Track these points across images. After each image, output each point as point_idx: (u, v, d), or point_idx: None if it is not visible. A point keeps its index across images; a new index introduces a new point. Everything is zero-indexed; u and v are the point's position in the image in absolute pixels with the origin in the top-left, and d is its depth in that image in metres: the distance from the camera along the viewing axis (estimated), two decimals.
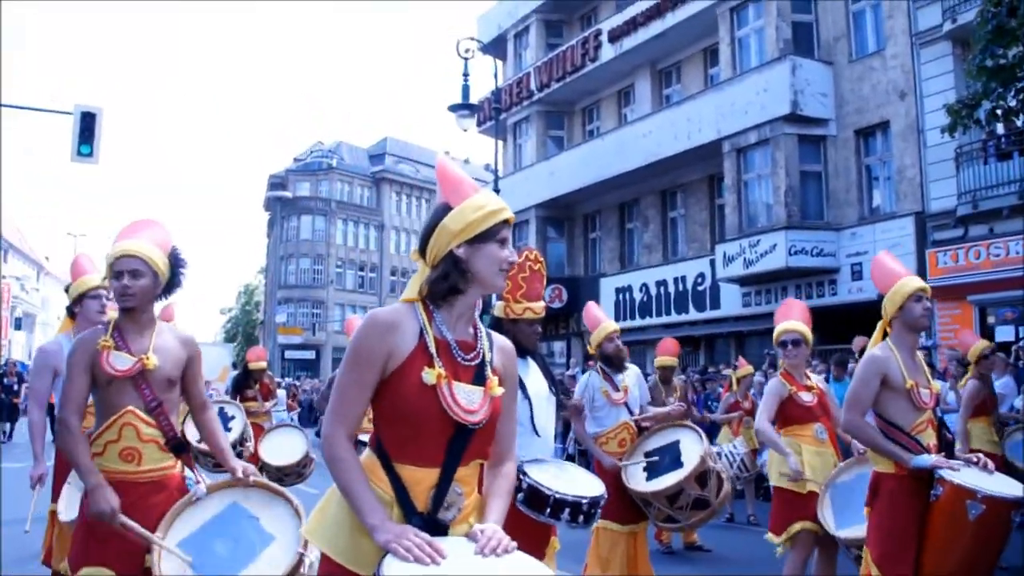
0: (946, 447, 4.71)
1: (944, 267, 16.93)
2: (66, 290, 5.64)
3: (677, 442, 6.20)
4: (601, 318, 6.67)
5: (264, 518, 3.77)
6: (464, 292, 2.59)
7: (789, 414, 5.98)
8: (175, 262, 4.09)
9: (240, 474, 3.90)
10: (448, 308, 2.59)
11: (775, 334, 6.23)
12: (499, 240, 2.58)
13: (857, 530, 5.27)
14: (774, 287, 20.26)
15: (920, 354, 4.75)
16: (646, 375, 9.08)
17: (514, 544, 2.37)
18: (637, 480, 6.12)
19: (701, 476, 5.88)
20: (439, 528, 2.43)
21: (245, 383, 11.14)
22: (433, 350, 2.50)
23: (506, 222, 2.61)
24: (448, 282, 2.55)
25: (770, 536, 6.04)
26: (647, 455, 6.25)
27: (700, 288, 22.58)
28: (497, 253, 2.58)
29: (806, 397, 5.99)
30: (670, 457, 6.10)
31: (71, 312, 5.60)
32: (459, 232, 2.54)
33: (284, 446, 9.82)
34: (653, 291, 24.02)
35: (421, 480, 2.46)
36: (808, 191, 19.75)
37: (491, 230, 2.57)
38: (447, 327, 2.58)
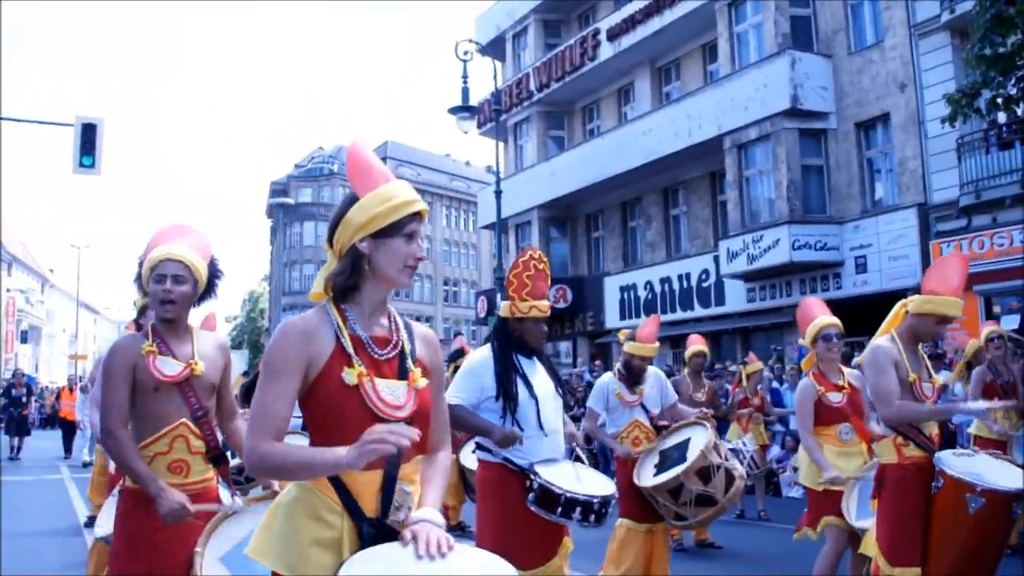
0: (949, 438, 4.68)
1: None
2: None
3: (688, 440, 6.21)
4: (653, 338, 6.68)
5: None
6: (363, 288, 2.49)
7: (816, 414, 5.94)
8: (213, 271, 3.98)
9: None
10: (357, 304, 2.50)
11: (813, 330, 6.08)
12: (406, 234, 2.47)
13: (871, 522, 5.33)
14: (778, 282, 20.24)
15: (922, 348, 4.72)
16: (670, 373, 9.16)
17: (450, 538, 2.28)
18: (645, 476, 6.14)
19: (703, 471, 5.86)
20: (390, 532, 2.35)
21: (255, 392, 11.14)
22: (351, 349, 2.42)
23: (417, 215, 2.49)
24: (348, 277, 2.47)
25: (807, 531, 6.01)
26: (662, 453, 6.27)
27: (704, 285, 22.57)
28: (402, 248, 2.46)
29: (835, 398, 5.93)
30: (679, 453, 6.12)
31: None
32: (363, 225, 2.44)
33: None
34: (657, 289, 24.01)
35: (366, 483, 2.37)
36: (810, 185, 19.74)
37: (397, 224, 2.45)
38: (361, 324, 2.49)
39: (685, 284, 23.21)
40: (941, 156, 17.38)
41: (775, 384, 14.75)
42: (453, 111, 20.21)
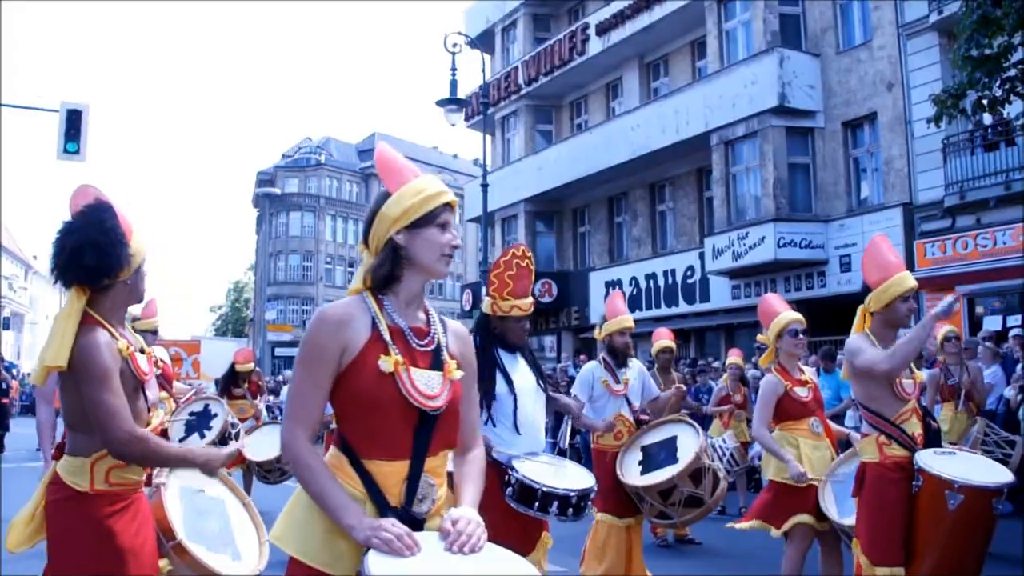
0: (933, 435, 4.69)
1: (932, 258, 16.99)
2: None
3: (675, 437, 6.17)
4: (623, 310, 6.72)
5: (204, 487, 3.97)
6: (403, 278, 2.55)
7: (785, 410, 5.91)
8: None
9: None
10: (395, 295, 2.56)
11: (780, 324, 6.08)
12: (439, 224, 2.54)
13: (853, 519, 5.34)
14: (763, 279, 20.30)
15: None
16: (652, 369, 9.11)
17: (484, 535, 2.36)
18: (632, 474, 6.11)
19: (695, 473, 5.85)
20: (414, 522, 2.39)
21: (233, 382, 11.14)
22: (387, 338, 2.47)
23: (447, 205, 2.57)
24: (386, 269, 2.53)
25: (757, 524, 5.98)
26: (644, 449, 6.24)
27: (689, 281, 22.61)
28: (438, 237, 2.53)
29: (801, 392, 5.92)
30: (666, 452, 6.08)
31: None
32: (398, 218, 2.51)
33: (266, 443, 9.84)
34: (643, 284, 24.05)
35: (391, 474, 2.41)
36: (796, 183, 19.79)
37: (431, 214, 2.53)
38: (398, 314, 2.54)
39: (670, 280, 23.25)
40: (927, 156, 17.44)
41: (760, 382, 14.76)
42: (441, 103, 20.16)
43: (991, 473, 4.38)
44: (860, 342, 4.55)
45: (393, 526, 2.24)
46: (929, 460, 4.30)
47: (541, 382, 4.81)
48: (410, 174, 2.60)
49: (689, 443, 6.04)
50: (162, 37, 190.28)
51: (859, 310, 4.72)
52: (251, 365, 11.37)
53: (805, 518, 5.69)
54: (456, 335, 2.70)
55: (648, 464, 6.10)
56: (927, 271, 16.71)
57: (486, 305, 4.74)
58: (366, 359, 2.43)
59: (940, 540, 4.21)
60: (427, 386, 2.46)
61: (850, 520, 5.28)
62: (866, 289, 4.72)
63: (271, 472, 10.03)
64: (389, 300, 2.55)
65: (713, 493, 5.95)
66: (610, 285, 24.52)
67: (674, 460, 5.96)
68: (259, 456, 9.73)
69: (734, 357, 12.40)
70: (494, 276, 4.70)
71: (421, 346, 2.54)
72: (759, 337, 6.88)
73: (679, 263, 23.10)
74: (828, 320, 14.90)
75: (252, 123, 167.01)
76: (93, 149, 62.30)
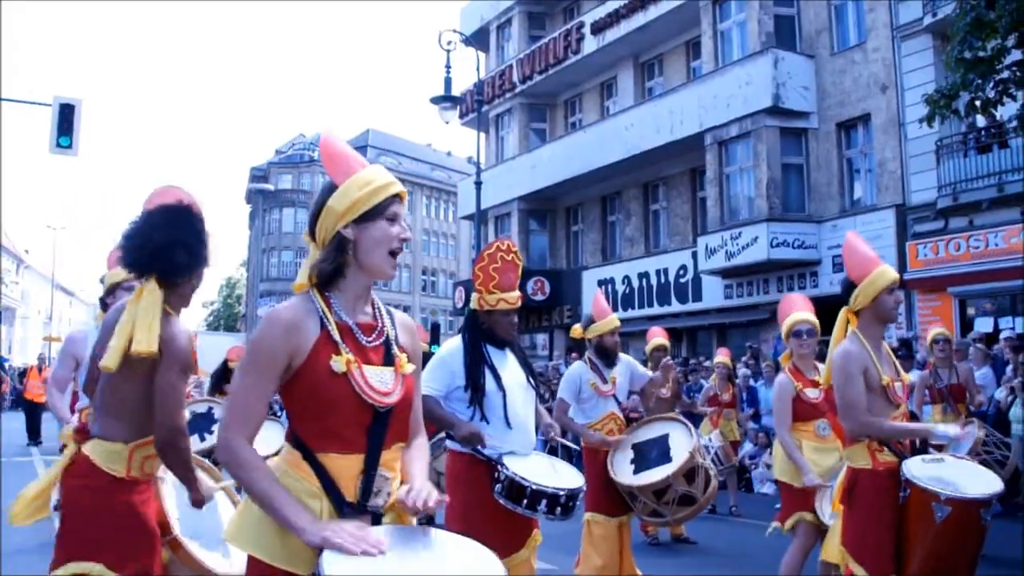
0: (922, 443, 4.65)
1: (924, 259, 17.02)
2: (101, 280, 5.52)
3: (666, 436, 6.15)
4: (609, 310, 6.69)
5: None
6: (348, 275, 2.50)
7: (794, 411, 5.92)
8: None
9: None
10: (340, 292, 2.51)
11: (787, 325, 6.10)
12: (388, 217, 2.48)
13: None
14: (756, 279, 20.32)
15: (885, 344, 4.64)
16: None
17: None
18: (624, 473, 6.08)
19: (689, 472, 5.85)
20: (371, 516, 2.39)
21: (225, 379, 11.11)
22: (337, 337, 2.43)
23: (396, 196, 2.51)
24: (333, 264, 2.48)
25: (776, 525, 6.05)
26: (635, 447, 6.23)
27: (682, 280, 22.62)
28: (387, 230, 2.48)
29: (812, 394, 5.91)
30: (659, 451, 6.06)
31: (103, 303, 5.37)
32: (345, 211, 2.45)
33: (262, 438, 9.79)
34: (635, 283, 24.06)
35: (346, 468, 2.39)
36: (790, 184, 19.82)
37: (379, 207, 2.47)
38: (346, 312, 2.50)
39: (663, 279, 23.26)
40: (920, 158, 17.48)
41: (752, 382, 14.80)
42: (435, 101, 20.16)
43: (980, 481, 4.27)
44: (854, 365, 4.36)
45: (351, 528, 2.23)
46: (916, 469, 4.22)
47: (531, 378, 4.81)
48: (357, 165, 2.53)
49: (682, 442, 6.02)
50: (156, 32, 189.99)
51: (841, 313, 4.61)
52: None
53: (807, 516, 5.74)
54: (403, 327, 2.67)
55: (640, 463, 6.09)
56: (919, 272, 16.75)
57: (473, 300, 4.73)
58: (317, 359, 2.39)
59: (928, 550, 4.13)
60: (380, 383, 2.44)
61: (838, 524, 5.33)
62: (847, 291, 4.61)
63: None
64: (336, 297, 2.51)
65: (705, 491, 5.95)
66: (603, 284, 24.54)
67: (667, 459, 5.94)
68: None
69: (722, 357, 12.42)
70: (479, 270, 4.69)
71: (370, 342, 2.51)
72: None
73: (672, 262, 23.11)
74: (821, 320, 14.73)
75: (246, 119, 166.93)
76: (86, 143, 62.29)
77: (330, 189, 2.49)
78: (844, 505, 4.47)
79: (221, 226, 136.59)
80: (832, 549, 4.68)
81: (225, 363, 11.30)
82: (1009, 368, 11.53)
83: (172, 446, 3.43)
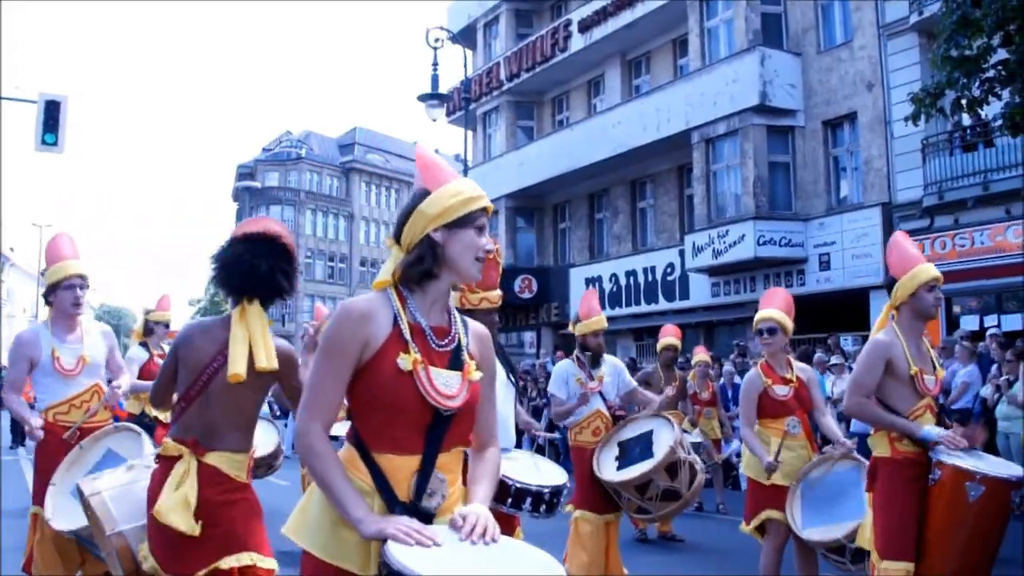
0: None
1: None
2: (42, 274, 5.49)
3: (650, 432, 6.17)
4: (597, 310, 6.68)
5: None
6: (438, 277, 2.55)
7: (762, 407, 5.90)
8: None
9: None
10: (421, 294, 2.56)
11: (755, 322, 6.12)
12: (476, 227, 2.56)
13: (822, 531, 5.29)
14: (743, 277, 20.36)
15: (926, 341, 4.71)
16: (633, 366, 9.10)
17: (497, 528, 2.35)
18: (608, 470, 6.11)
19: (671, 467, 5.86)
20: (423, 517, 2.39)
21: None
22: (408, 336, 2.47)
23: (484, 210, 2.58)
24: (422, 266, 2.52)
25: (742, 525, 6.04)
26: (621, 445, 6.23)
27: (669, 278, 22.65)
28: (474, 240, 2.54)
29: (780, 391, 5.88)
30: (642, 447, 6.08)
31: (47, 300, 5.34)
32: (436, 216, 2.51)
33: (256, 438, 9.75)
34: (623, 281, 24.08)
35: (401, 468, 2.42)
36: (776, 182, 19.86)
37: (468, 216, 2.54)
38: (421, 313, 2.55)
39: (650, 277, 23.29)
40: (906, 156, 17.54)
41: (737, 379, 14.80)
42: (422, 98, 20.12)
43: (1004, 467, 4.38)
44: (875, 354, 4.51)
45: (407, 522, 2.27)
46: (944, 454, 4.27)
47: (511, 375, 4.80)
48: (449, 175, 2.61)
49: (664, 437, 6.03)
50: (142, 29, 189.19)
51: (884, 308, 4.72)
52: None
53: (776, 515, 5.69)
54: (476, 336, 2.71)
55: (624, 459, 6.10)
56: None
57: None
58: (385, 356, 2.44)
59: (959, 533, 4.17)
60: (445, 386, 2.47)
61: (812, 533, 5.35)
62: (890, 287, 4.71)
63: (259, 467, 9.94)
64: (413, 298, 2.56)
65: (690, 486, 5.95)
66: (590, 282, 24.55)
67: (650, 455, 5.95)
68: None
69: (700, 355, 12.39)
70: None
71: (441, 346, 2.55)
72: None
73: (659, 260, 23.14)
74: (807, 318, 14.86)
75: (233, 116, 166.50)
76: (72, 141, 61.97)
77: (422, 195, 2.57)
78: (869, 493, 4.54)
79: (208, 224, 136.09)
80: (863, 534, 4.65)
81: None
82: (994, 367, 11.57)
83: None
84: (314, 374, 2.48)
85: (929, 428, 4.37)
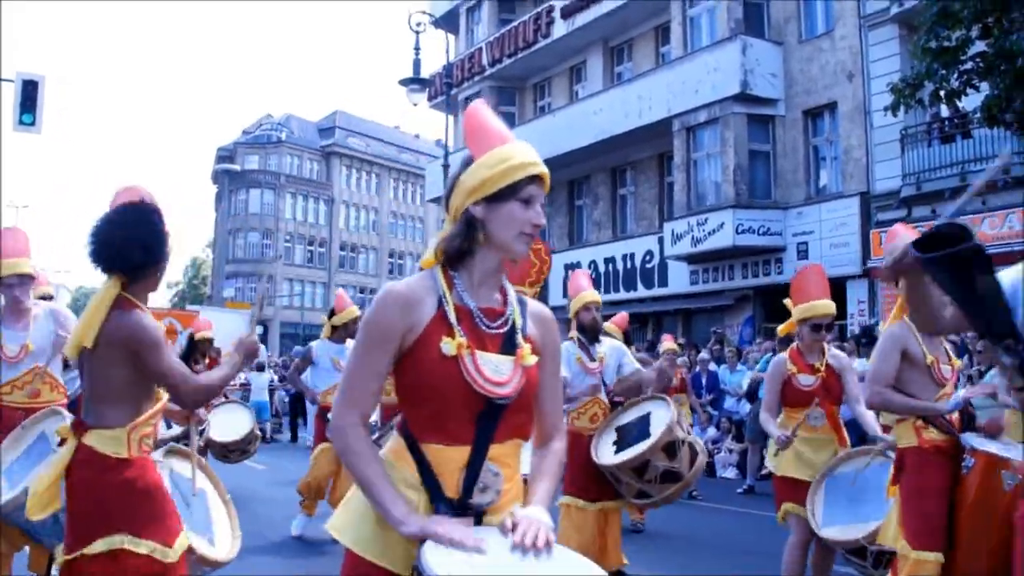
0: (968, 421, 4.67)
1: (887, 247, 17.15)
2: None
3: (648, 414, 6.05)
4: (583, 286, 6.52)
5: (193, 478, 4.37)
6: (476, 254, 2.33)
7: (784, 395, 5.62)
8: None
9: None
10: (468, 273, 2.35)
11: (802, 311, 5.62)
12: (522, 199, 2.30)
13: (840, 531, 5.07)
14: (721, 265, 20.44)
15: None
16: None
17: (552, 535, 2.16)
18: (606, 454, 5.97)
19: (669, 447, 5.70)
20: (471, 514, 2.22)
21: (191, 356, 10.89)
22: (453, 319, 2.26)
23: (535, 178, 2.34)
24: (458, 243, 2.32)
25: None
26: (619, 430, 6.13)
27: (648, 265, 22.72)
28: (518, 214, 2.29)
29: (806, 380, 5.53)
30: (639, 430, 5.91)
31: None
32: (474, 189, 2.29)
33: (229, 423, 9.75)
34: (602, 268, 24.12)
35: (449, 460, 2.23)
36: (756, 170, 19.93)
37: (512, 187, 2.29)
38: (468, 293, 2.33)
39: (629, 264, 23.35)
40: (885, 146, 17.65)
41: (712, 366, 14.88)
42: (404, 83, 20.10)
43: None
44: (890, 343, 4.52)
45: (447, 523, 2.12)
46: (977, 442, 4.22)
47: None
48: (497, 139, 2.36)
49: (662, 417, 5.90)
50: (121, 9, 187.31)
51: (898, 301, 4.64)
52: (209, 333, 11.02)
53: (797, 508, 5.43)
54: (537, 318, 2.46)
55: (622, 444, 5.96)
56: (882, 260, 16.88)
57: None
58: (429, 340, 2.24)
59: (993, 522, 4.05)
60: (495, 371, 2.26)
61: (830, 532, 5.10)
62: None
63: (232, 452, 9.92)
64: (460, 277, 2.35)
65: (691, 467, 5.79)
66: (569, 268, 24.52)
67: (646, 436, 5.80)
68: (223, 437, 9.60)
69: (668, 343, 12.37)
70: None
71: (492, 328, 2.32)
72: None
73: (638, 247, 23.20)
74: (784, 307, 14.86)
75: (212, 98, 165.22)
76: (50, 121, 61.36)
77: (467, 163, 2.35)
78: (895, 486, 4.48)
79: (186, 207, 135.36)
80: (887, 533, 4.53)
81: (191, 337, 11.05)
82: (965, 357, 11.64)
83: (201, 403, 3.83)
84: (351, 362, 2.31)
85: (952, 400, 4.38)
